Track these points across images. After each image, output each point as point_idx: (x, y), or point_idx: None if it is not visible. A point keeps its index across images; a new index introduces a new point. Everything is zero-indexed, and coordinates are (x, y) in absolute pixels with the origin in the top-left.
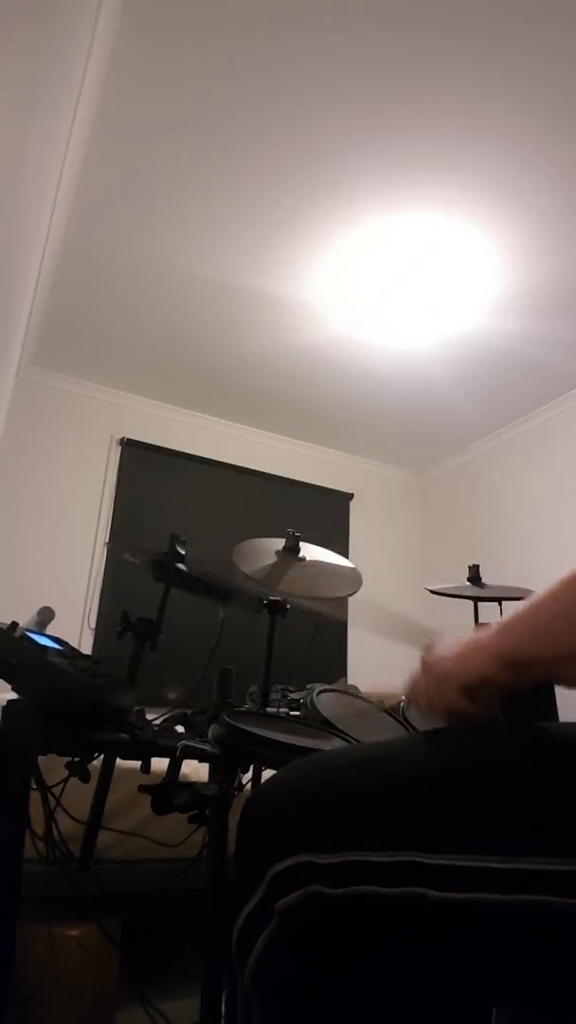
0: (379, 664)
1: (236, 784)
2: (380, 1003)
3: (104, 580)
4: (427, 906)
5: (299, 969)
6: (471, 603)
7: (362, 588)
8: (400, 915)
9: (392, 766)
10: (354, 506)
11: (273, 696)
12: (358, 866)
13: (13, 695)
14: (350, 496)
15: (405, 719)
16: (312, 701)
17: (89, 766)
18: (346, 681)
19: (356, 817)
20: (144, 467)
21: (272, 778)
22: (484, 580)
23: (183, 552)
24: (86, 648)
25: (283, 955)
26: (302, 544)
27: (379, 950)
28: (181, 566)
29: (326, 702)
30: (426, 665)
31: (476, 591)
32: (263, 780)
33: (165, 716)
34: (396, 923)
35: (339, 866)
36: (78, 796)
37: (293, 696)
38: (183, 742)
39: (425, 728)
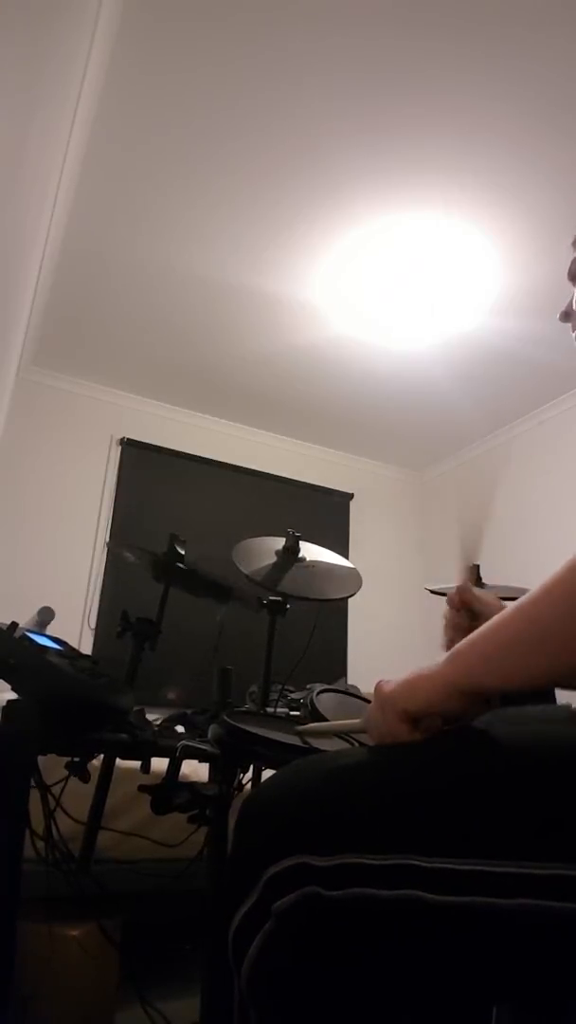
0: (379, 664)
1: (236, 784)
2: (377, 1005)
3: (104, 580)
4: (424, 909)
5: (295, 970)
6: None
7: (362, 588)
8: (397, 918)
9: (390, 768)
10: (354, 506)
11: (273, 696)
12: (355, 868)
13: (13, 695)
14: (350, 496)
15: None
16: (312, 701)
17: (89, 766)
18: (346, 681)
19: (353, 819)
20: (144, 467)
21: (269, 779)
22: (484, 580)
23: (183, 552)
24: (86, 648)
25: (279, 956)
26: (302, 544)
27: (376, 952)
28: (181, 565)
29: (326, 702)
30: (378, 690)
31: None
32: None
33: (165, 716)
34: (393, 926)
35: (336, 868)
36: (78, 796)
37: (293, 696)
38: (183, 742)
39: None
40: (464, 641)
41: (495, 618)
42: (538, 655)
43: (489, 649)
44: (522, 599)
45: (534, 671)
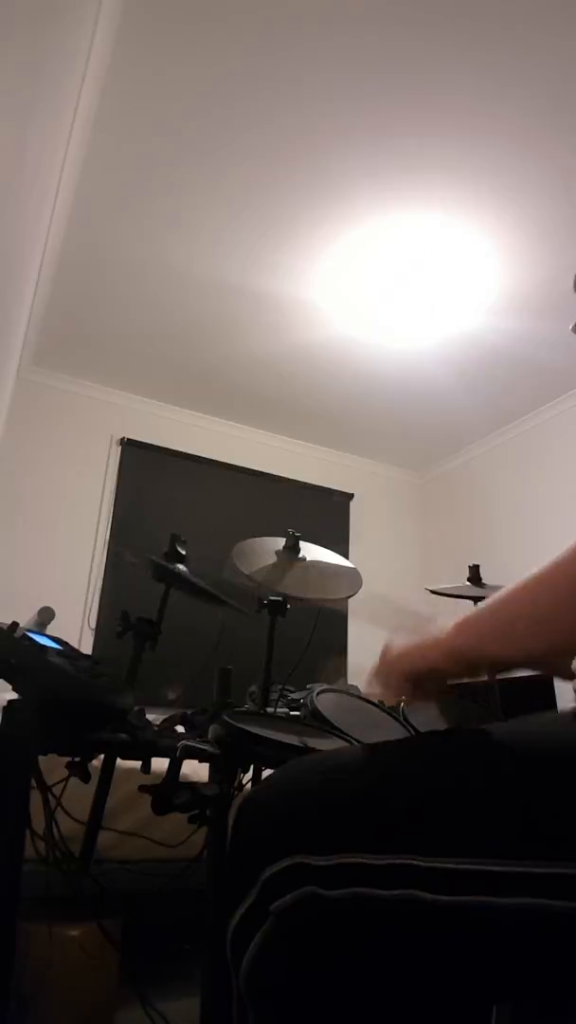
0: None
1: (236, 784)
2: (376, 1004)
3: (104, 580)
4: (424, 909)
5: (294, 970)
6: (471, 603)
7: (362, 588)
8: (396, 917)
9: (388, 768)
10: (354, 506)
11: (273, 696)
12: (353, 868)
13: (13, 695)
14: (350, 496)
15: (406, 719)
16: (312, 701)
17: (89, 766)
18: (346, 681)
19: (351, 819)
20: (144, 467)
21: (266, 779)
22: (484, 580)
23: (183, 552)
24: (86, 648)
25: (278, 956)
26: (302, 544)
27: (375, 952)
28: (181, 566)
29: (326, 702)
30: (385, 651)
31: (476, 591)
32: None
33: (165, 716)
34: (392, 925)
35: (334, 868)
36: (78, 796)
37: (293, 696)
38: (183, 742)
39: (425, 729)
40: (472, 611)
41: (503, 592)
42: (538, 633)
43: (494, 622)
44: (527, 576)
45: (533, 647)
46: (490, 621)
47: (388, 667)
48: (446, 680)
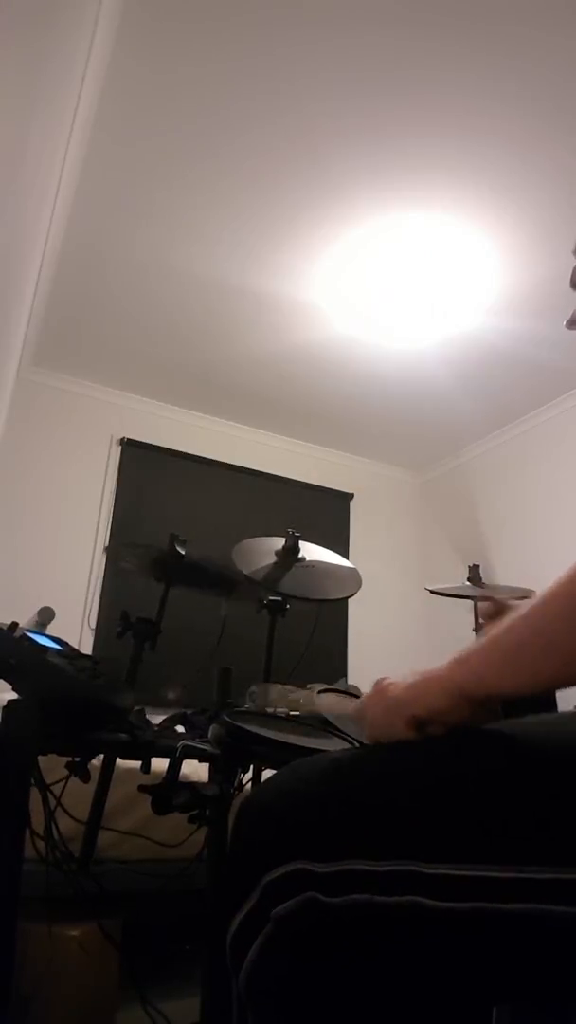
0: (379, 664)
1: (236, 784)
2: (377, 1011)
3: (104, 580)
4: (426, 915)
5: (295, 976)
6: (471, 603)
7: (362, 588)
8: (399, 924)
9: (388, 773)
10: (354, 506)
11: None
12: (355, 875)
13: (13, 695)
14: (350, 496)
15: None
16: (312, 701)
17: (89, 766)
18: (346, 681)
19: (353, 825)
20: (144, 467)
21: (265, 782)
22: (484, 580)
23: (183, 552)
24: (86, 648)
25: (278, 962)
26: (302, 544)
27: (377, 959)
28: (181, 551)
29: (326, 702)
30: (380, 688)
31: (476, 591)
32: (263, 780)
33: (165, 716)
34: (394, 932)
35: (335, 875)
36: (78, 796)
37: (293, 696)
38: (183, 742)
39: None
40: (472, 645)
41: (502, 623)
42: (542, 663)
43: (496, 655)
44: (527, 605)
45: (539, 677)
46: (490, 653)
47: (387, 707)
48: (448, 724)
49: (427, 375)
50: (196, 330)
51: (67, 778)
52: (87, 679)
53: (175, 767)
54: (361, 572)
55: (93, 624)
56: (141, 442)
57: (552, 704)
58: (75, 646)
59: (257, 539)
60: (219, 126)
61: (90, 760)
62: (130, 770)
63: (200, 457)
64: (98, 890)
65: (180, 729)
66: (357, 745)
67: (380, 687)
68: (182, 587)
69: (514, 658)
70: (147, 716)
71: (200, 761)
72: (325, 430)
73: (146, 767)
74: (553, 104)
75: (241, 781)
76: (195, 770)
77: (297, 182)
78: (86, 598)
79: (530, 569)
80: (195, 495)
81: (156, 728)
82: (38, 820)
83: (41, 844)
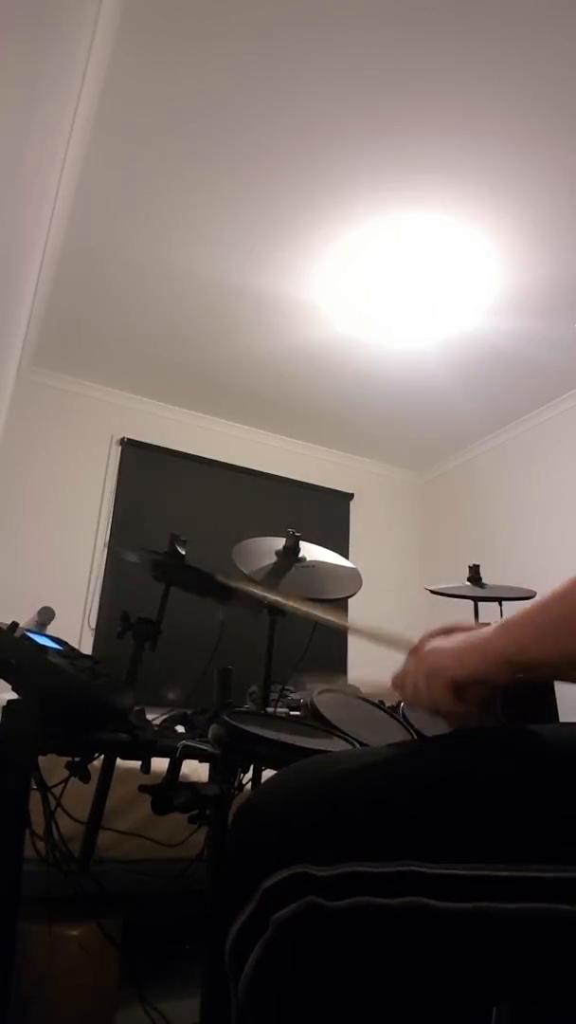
0: (379, 664)
1: (236, 784)
2: (380, 1012)
3: (104, 580)
4: (429, 916)
5: (296, 981)
6: (471, 603)
7: (362, 588)
8: (401, 926)
9: (390, 773)
10: (354, 506)
11: (273, 696)
12: (357, 877)
13: (13, 695)
14: (350, 496)
15: (406, 720)
16: (312, 701)
17: (89, 766)
18: (346, 681)
19: (353, 828)
20: (144, 467)
21: (264, 784)
22: (484, 580)
23: (183, 552)
24: (86, 648)
25: (279, 966)
26: (302, 544)
27: (379, 961)
28: (182, 550)
29: (326, 702)
30: (419, 655)
31: (476, 591)
32: (263, 780)
33: (165, 716)
34: (397, 934)
35: (337, 878)
36: (78, 796)
37: (293, 696)
38: (183, 742)
39: (426, 729)
40: (515, 614)
41: (549, 592)
42: None
43: (543, 622)
44: (574, 575)
45: None
46: (536, 620)
47: (428, 672)
48: (489, 689)
49: (427, 375)
50: (196, 330)
51: (67, 778)
52: (87, 679)
53: (175, 767)
54: (361, 572)
55: (93, 624)
56: (141, 442)
57: (552, 705)
58: (75, 646)
59: (257, 539)
60: (219, 126)
61: (90, 760)
62: (130, 770)
63: (200, 457)
64: (98, 890)
65: (180, 729)
66: (357, 745)
67: (421, 653)
68: (182, 589)
69: (560, 626)
70: (147, 716)
71: (200, 761)
72: (325, 430)
73: (146, 767)
74: (553, 104)
75: (241, 781)
76: (195, 770)
77: (297, 182)
78: (86, 598)
79: (530, 569)
80: (195, 495)
81: (156, 728)
82: (38, 820)
83: (41, 844)
